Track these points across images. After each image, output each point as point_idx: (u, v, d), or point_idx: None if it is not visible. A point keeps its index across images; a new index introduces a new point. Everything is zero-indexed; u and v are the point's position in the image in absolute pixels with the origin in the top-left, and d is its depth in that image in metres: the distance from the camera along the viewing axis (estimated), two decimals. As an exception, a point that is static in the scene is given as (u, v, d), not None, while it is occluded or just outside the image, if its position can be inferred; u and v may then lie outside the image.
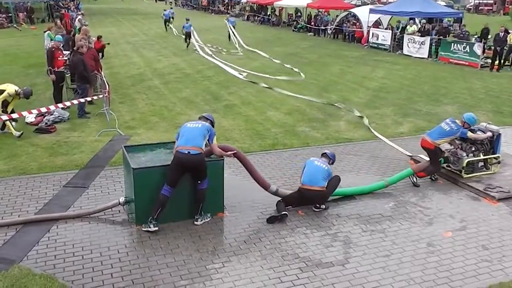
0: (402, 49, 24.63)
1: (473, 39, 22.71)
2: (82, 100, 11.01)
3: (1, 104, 9.94)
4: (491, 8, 58.75)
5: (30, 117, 10.70)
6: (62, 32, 15.41)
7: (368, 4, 38.22)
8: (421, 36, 23.89)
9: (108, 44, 21.74)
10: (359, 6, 37.46)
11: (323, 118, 11.92)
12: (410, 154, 9.38)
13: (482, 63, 20.63)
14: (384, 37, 26.22)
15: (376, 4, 37.58)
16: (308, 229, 6.53)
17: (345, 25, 30.80)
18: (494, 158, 8.46)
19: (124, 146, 7.06)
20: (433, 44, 23.14)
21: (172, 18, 34.63)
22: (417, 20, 26.66)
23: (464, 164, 8.13)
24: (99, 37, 20.04)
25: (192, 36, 25.55)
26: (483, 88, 16.30)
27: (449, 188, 8.06)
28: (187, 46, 25.17)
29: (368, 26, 27.51)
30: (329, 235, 6.37)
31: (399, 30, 26.94)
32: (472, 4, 60.69)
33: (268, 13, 42.36)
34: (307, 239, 6.27)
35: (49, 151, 9.23)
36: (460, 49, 21.43)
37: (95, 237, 6.17)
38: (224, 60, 20.41)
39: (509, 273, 5.61)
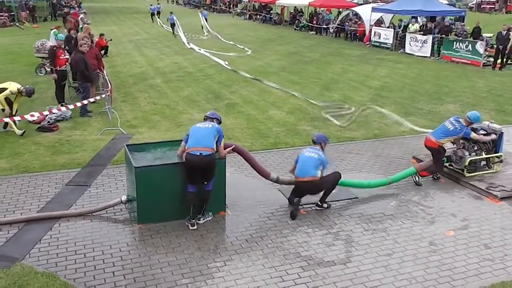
0: (404, 47, 24.60)
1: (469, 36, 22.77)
2: (85, 102, 11.01)
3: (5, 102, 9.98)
4: (493, 6, 58.54)
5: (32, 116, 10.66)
6: (76, 33, 15.39)
7: (370, 2, 38.13)
8: (423, 34, 23.86)
9: (111, 40, 21.78)
10: (361, 4, 37.37)
11: (324, 117, 11.91)
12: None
13: (484, 61, 20.60)
14: (386, 35, 26.17)
15: (378, 2, 37.48)
16: (309, 228, 6.53)
17: (347, 23, 30.76)
18: (497, 157, 8.45)
19: (126, 145, 7.07)
20: (435, 43, 23.11)
21: (158, 12, 41.71)
22: (419, 19, 26.61)
23: (467, 163, 8.11)
24: (101, 35, 20.08)
25: (176, 26, 30.30)
26: (486, 87, 16.26)
27: (452, 187, 8.05)
28: (173, 34, 30.40)
29: (370, 25, 27.47)
30: (331, 234, 6.37)
31: (401, 28, 26.92)
32: (474, 2, 60.52)
33: (269, 12, 42.33)
34: (309, 238, 6.27)
35: (51, 150, 9.24)
36: (462, 47, 21.39)
37: (97, 236, 6.18)
38: (194, 43, 25.43)
39: (511, 272, 5.61)
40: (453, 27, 24.48)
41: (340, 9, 34.28)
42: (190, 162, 6.23)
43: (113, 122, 10.72)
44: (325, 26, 32.79)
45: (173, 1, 70.90)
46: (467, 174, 8.16)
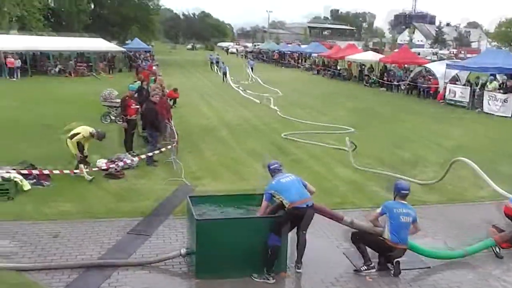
0: (482, 106, 23.39)
1: None
2: (149, 154, 11.28)
3: (77, 147, 10.38)
4: None
5: (101, 162, 11.03)
6: (147, 85, 16.20)
7: (444, 59, 37.26)
8: (503, 93, 22.60)
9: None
10: (434, 61, 36.59)
11: (394, 177, 11.29)
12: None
13: None
14: (462, 93, 25.07)
15: (453, 59, 36.49)
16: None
17: (419, 80, 30.03)
18: None
19: (189, 196, 7.04)
20: (517, 102, 21.79)
21: (217, 62, 45.54)
22: (498, 76, 25.37)
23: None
24: (175, 90, 20.85)
25: (227, 74, 34.53)
26: None
27: (539, 261, 7.18)
28: (223, 80, 34.40)
29: (444, 82, 26.60)
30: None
31: (479, 86, 25.71)
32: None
33: (338, 68, 42.53)
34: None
35: (117, 197, 9.44)
36: (547, 107, 20.00)
37: (154, 287, 6.07)
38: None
39: None
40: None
41: (410, 66, 33.65)
42: (297, 216, 6.44)
43: (177, 172, 10.83)
44: (396, 83, 32.25)
45: (243, 55, 73.52)
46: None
